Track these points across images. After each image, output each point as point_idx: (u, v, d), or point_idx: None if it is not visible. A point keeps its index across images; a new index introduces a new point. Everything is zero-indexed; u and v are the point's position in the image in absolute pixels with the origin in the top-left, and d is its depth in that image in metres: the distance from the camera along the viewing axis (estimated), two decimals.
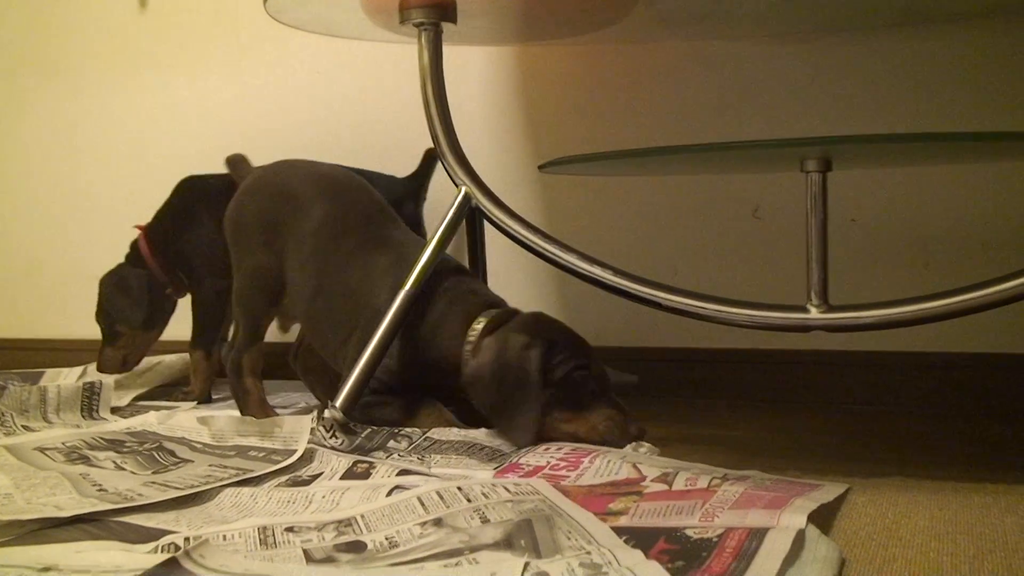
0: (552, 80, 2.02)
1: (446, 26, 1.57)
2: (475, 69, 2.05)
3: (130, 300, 1.95)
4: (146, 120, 2.41)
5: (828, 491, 1.06)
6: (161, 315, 2.01)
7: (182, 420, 1.53)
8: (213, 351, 1.98)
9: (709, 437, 1.54)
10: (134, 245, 2.01)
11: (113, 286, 1.96)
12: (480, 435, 1.34)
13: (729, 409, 1.78)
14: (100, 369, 1.97)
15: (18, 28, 2.57)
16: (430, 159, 1.95)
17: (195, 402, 1.89)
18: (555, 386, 1.34)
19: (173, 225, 2.00)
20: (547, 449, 1.25)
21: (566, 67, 2.01)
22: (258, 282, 1.65)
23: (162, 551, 0.90)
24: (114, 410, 1.77)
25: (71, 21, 2.50)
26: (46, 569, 0.88)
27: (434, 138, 1.56)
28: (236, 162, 1.83)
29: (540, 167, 1.45)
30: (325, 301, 1.56)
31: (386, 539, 0.93)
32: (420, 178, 1.99)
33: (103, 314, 1.97)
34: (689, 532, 0.91)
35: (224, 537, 0.95)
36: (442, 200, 1.64)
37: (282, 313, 1.71)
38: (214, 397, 1.97)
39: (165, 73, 2.40)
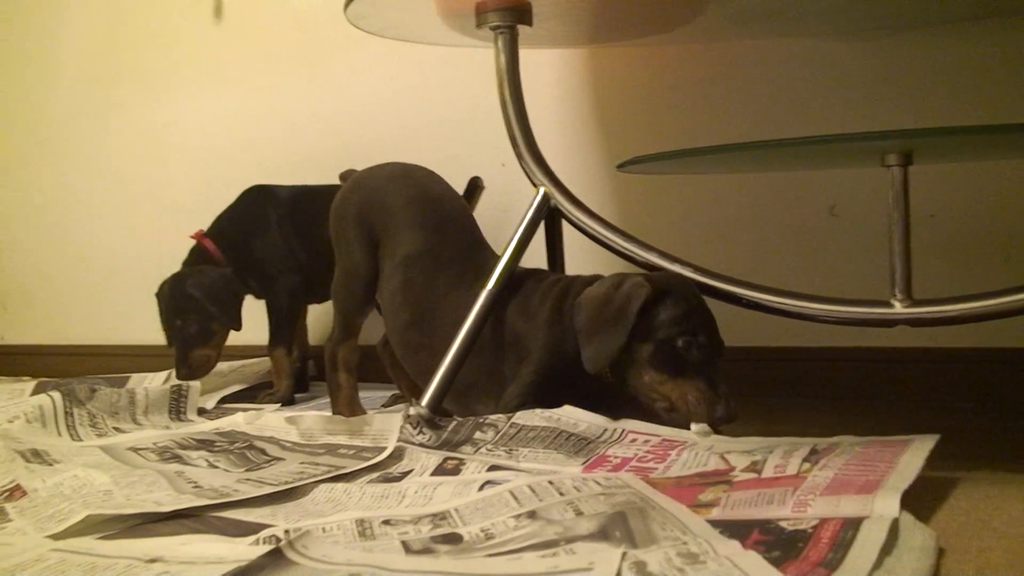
0: (622, 81, 2.03)
1: (521, 29, 1.58)
2: (546, 72, 2.06)
3: (225, 298, 2.00)
4: (224, 128, 2.45)
5: (919, 446, 1.06)
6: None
7: (270, 420, 1.56)
8: (292, 349, 2.02)
9: (785, 434, 1.53)
10: (196, 250, 2.06)
11: (204, 287, 1.99)
12: (564, 416, 1.34)
13: (805, 408, 1.77)
14: (191, 374, 1.97)
15: (102, 38, 2.63)
16: (474, 187, 1.96)
17: (279, 403, 1.92)
18: (657, 344, 1.34)
19: (242, 232, 2.04)
20: (633, 440, 1.26)
21: (636, 68, 2.01)
22: (353, 280, 1.68)
23: (263, 543, 0.93)
24: (200, 412, 1.80)
25: (150, 32, 2.56)
26: (153, 560, 0.90)
27: (512, 139, 1.58)
28: (349, 176, 1.86)
29: (618, 166, 1.45)
30: (423, 333, 1.57)
31: (481, 531, 0.95)
32: None
33: (193, 315, 1.98)
34: (783, 524, 0.92)
35: (323, 529, 0.97)
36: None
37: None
38: (296, 398, 2.01)
39: (242, 81, 2.44)
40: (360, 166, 1.81)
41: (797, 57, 1.87)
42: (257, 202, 2.08)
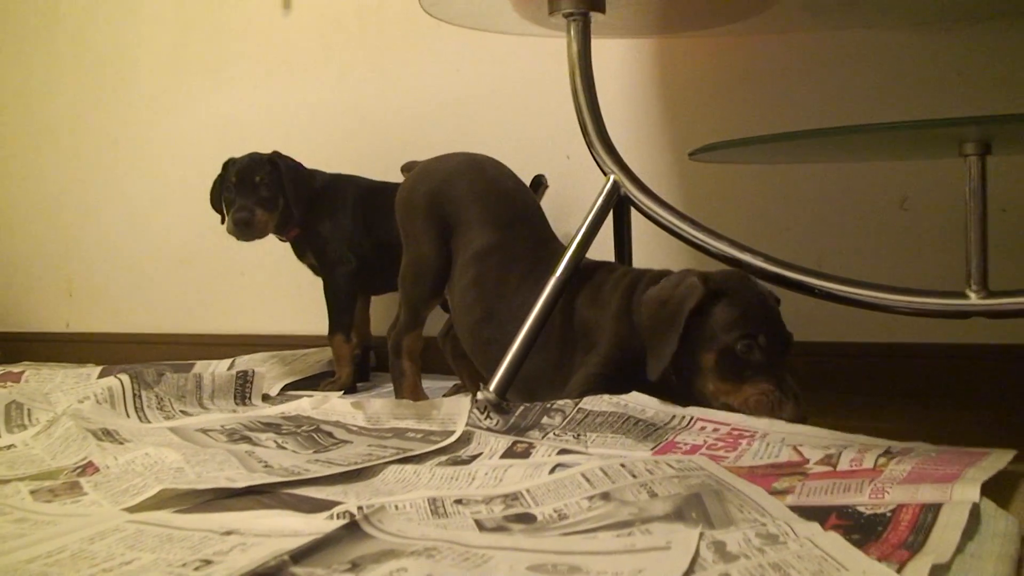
0: (691, 73, 2.01)
1: (593, 16, 1.57)
2: (614, 63, 2.06)
3: (301, 185, 2.05)
4: (292, 117, 2.47)
5: (996, 458, 1.04)
6: None
7: (336, 405, 1.56)
8: (351, 336, 2.03)
9: (854, 430, 1.51)
10: None
11: (290, 167, 2.05)
12: (632, 402, 1.33)
13: (873, 404, 1.75)
14: (249, 219, 1.98)
15: (176, 32, 2.66)
16: (537, 185, 1.96)
17: (341, 392, 1.93)
18: (718, 352, 1.34)
19: (317, 208, 2.06)
20: (703, 428, 1.25)
21: (704, 59, 2.00)
22: (420, 270, 1.69)
23: (337, 518, 0.93)
24: (264, 398, 1.81)
25: (222, 24, 2.58)
26: (228, 532, 0.91)
27: (582, 127, 1.57)
28: (412, 168, 1.86)
29: (691, 154, 1.44)
30: (494, 328, 1.57)
31: (555, 511, 0.94)
32: None
33: (269, 181, 2.02)
34: (861, 508, 0.91)
35: (396, 507, 0.97)
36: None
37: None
38: (358, 387, 2.02)
39: (309, 72, 2.46)
40: (423, 159, 1.82)
41: (868, 49, 1.85)
42: (337, 185, 2.11)
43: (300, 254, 2.10)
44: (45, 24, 2.87)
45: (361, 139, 2.37)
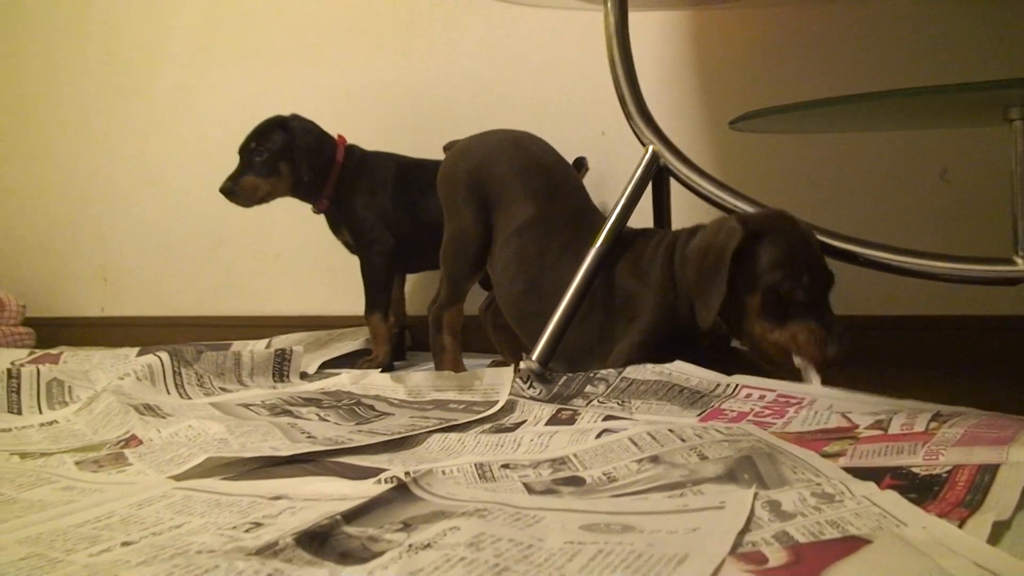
0: (725, 44, 2.00)
1: None
2: (648, 38, 2.04)
3: (316, 152, 2.05)
4: (323, 99, 2.46)
5: None
6: None
7: (375, 380, 1.56)
8: (388, 315, 2.03)
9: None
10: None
11: (305, 130, 2.05)
12: (675, 370, 1.32)
13: (917, 378, 1.73)
14: (232, 189, 2.03)
15: (206, 16, 2.66)
16: (578, 167, 1.95)
17: (379, 369, 1.93)
18: (763, 293, 1.33)
19: (352, 186, 2.06)
20: (748, 396, 1.23)
21: (739, 30, 1.98)
22: (462, 246, 1.69)
23: (384, 483, 0.92)
24: (302, 376, 1.81)
25: (249, 7, 2.58)
26: (277, 498, 0.91)
27: (620, 99, 1.56)
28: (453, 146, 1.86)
29: (731, 123, 1.43)
30: (538, 299, 1.56)
31: (604, 474, 0.94)
32: None
33: (272, 145, 2.03)
34: (915, 470, 0.89)
35: (443, 472, 0.96)
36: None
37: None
38: (395, 366, 2.01)
39: (339, 53, 2.45)
40: (459, 138, 1.81)
41: (909, 16, 1.83)
42: (375, 162, 2.10)
43: (335, 229, 2.10)
44: (74, 11, 2.88)
45: (393, 119, 2.37)
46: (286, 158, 2.02)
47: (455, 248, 1.69)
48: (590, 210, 1.63)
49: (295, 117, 2.05)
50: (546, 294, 1.54)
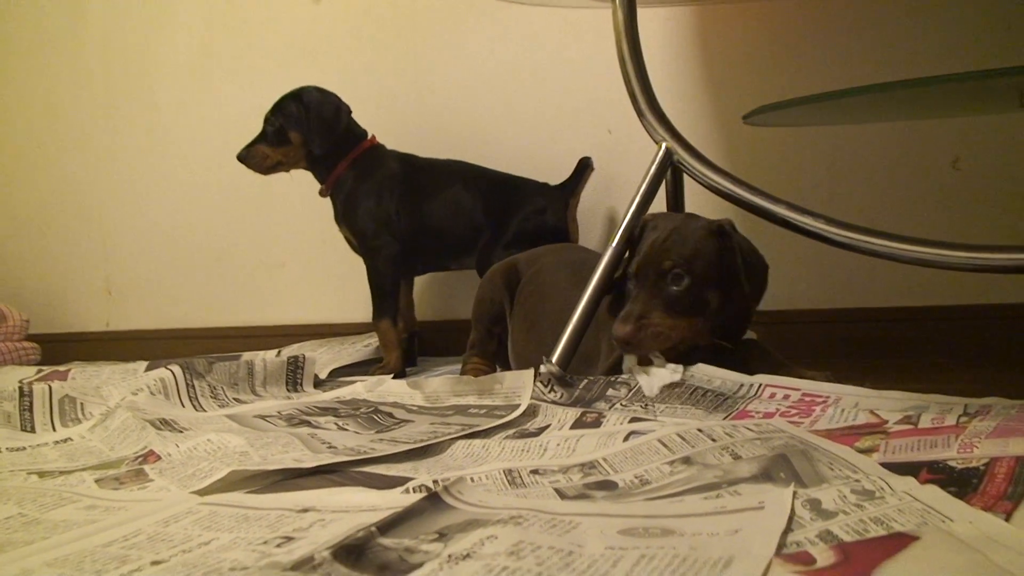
0: (732, 38, 1.99)
1: None
2: (656, 32, 2.03)
3: (328, 121, 2.07)
4: None
5: None
6: None
7: (391, 387, 1.54)
8: (397, 320, 2.02)
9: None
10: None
11: (318, 101, 2.08)
12: (697, 373, 1.31)
13: (934, 368, 1.72)
14: (246, 156, 2.09)
15: (204, 26, 2.65)
16: (584, 167, 1.95)
17: (391, 376, 1.91)
18: None
19: (355, 191, 2.05)
20: (772, 396, 1.22)
21: (745, 24, 1.97)
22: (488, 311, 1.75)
23: (413, 492, 0.91)
24: (316, 385, 1.80)
25: (250, 16, 2.57)
26: (305, 510, 0.89)
27: (632, 96, 1.55)
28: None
29: (745, 117, 1.42)
30: (536, 336, 1.58)
31: (636, 478, 0.92)
32: (571, 186, 1.99)
33: (285, 115, 2.08)
34: (951, 463, 0.88)
35: (472, 479, 0.95)
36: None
37: None
38: (407, 372, 2.00)
39: (341, 60, 2.44)
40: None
41: (919, 7, 1.82)
42: (384, 162, 2.09)
43: (337, 221, 2.09)
44: (71, 25, 2.86)
45: (397, 124, 2.35)
46: (297, 128, 2.05)
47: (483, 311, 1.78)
48: (590, 254, 1.66)
49: (312, 89, 2.07)
50: (544, 331, 1.55)
